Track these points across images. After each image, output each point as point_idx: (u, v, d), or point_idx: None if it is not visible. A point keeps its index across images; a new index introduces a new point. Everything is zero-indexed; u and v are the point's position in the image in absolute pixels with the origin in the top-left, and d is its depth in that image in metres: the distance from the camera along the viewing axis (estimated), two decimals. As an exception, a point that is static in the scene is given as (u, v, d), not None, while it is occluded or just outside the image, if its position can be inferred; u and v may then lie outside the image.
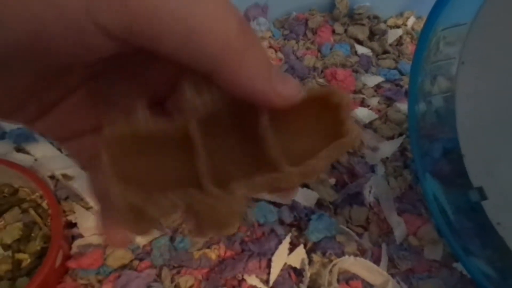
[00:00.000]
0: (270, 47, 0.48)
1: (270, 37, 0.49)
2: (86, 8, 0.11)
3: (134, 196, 0.13)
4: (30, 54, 0.12)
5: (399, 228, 0.36)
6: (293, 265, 0.33)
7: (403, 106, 0.43)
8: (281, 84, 0.13)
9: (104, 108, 0.15)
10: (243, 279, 0.31)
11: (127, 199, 0.13)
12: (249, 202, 0.14)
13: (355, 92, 0.44)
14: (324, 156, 0.14)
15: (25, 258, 0.30)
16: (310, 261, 0.33)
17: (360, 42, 0.49)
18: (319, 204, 0.36)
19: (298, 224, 0.35)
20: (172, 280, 0.31)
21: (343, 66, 0.46)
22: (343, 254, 0.33)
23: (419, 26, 0.51)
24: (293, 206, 0.35)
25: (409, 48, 0.49)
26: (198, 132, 0.14)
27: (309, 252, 0.33)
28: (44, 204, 0.32)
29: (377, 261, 0.34)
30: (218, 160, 0.15)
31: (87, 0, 0.11)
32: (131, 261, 0.32)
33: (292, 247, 0.33)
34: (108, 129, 0.13)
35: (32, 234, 0.31)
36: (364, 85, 0.45)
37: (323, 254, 0.33)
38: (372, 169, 0.39)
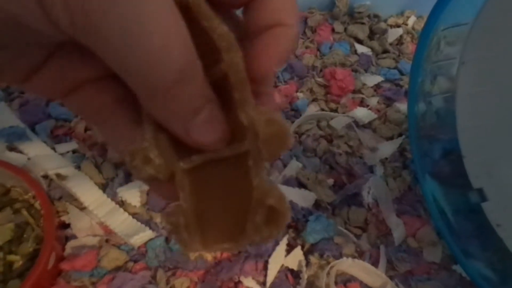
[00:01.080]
0: (269, 45, 0.47)
1: (268, 35, 0.48)
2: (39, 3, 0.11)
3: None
4: None
5: (398, 229, 0.35)
6: (290, 267, 0.32)
7: (402, 106, 0.43)
8: (197, 131, 0.14)
9: (98, 61, 0.15)
10: (240, 281, 0.31)
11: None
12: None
13: (354, 91, 0.44)
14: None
15: (17, 260, 0.29)
16: (308, 263, 0.32)
17: (360, 41, 0.49)
18: (317, 205, 0.36)
19: (296, 225, 0.34)
20: (167, 282, 0.31)
21: (343, 65, 0.46)
22: (341, 255, 0.33)
23: (420, 25, 0.50)
24: (291, 207, 0.34)
25: (410, 47, 0.49)
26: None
27: (306, 254, 0.33)
28: (37, 205, 0.32)
29: (375, 263, 0.34)
30: None
31: None
32: (126, 262, 0.31)
33: (290, 248, 0.33)
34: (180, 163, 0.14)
35: (24, 235, 0.30)
36: (364, 84, 0.45)
37: (321, 256, 0.33)
38: (371, 169, 0.39)
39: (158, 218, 0.33)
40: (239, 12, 0.16)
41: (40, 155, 0.34)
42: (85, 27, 0.11)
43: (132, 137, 0.15)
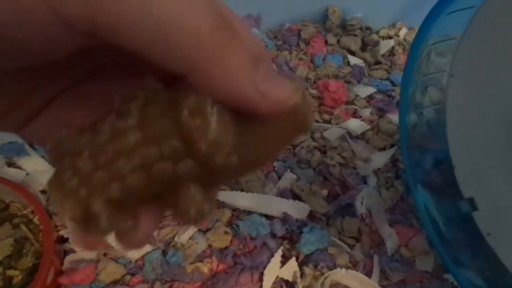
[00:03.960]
0: (263, 57, 0.48)
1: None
2: (46, 3, 0.10)
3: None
4: None
5: (390, 239, 0.36)
6: (285, 278, 0.33)
7: (394, 117, 0.43)
8: (268, 86, 0.12)
9: (98, 108, 0.14)
10: (236, 293, 0.31)
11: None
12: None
13: (347, 103, 0.45)
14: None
15: (16, 275, 0.30)
16: (302, 274, 0.33)
17: (352, 53, 0.50)
18: (311, 216, 0.37)
19: (290, 236, 0.35)
20: (164, 295, 0.31)
21: (336, 77, 0.46)
22: (335, 266, 0.33)
23: (411, 36, 0.51)
24: (285, 219, 0.35)
25: (401, 58, 0.50)
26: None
27: (301, 265, 0.33)
28: (36, 220, 0.32)
29: (369, 273, 0.34)
30: None
31: None
32: (123, 276, 0.32)
33: (284, 260, 0.33)
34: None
35: (24, 250, 0.31)
36: (357, 96, 0.46)
37: (315, 266, 0.33)
38: (364, 180, 0.39)
39: (155, 231, 0.34)
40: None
41: (39, 170, 0.35)
42: (105, 18, 0.10)
43: None
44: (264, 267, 0.32)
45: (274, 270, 0.33)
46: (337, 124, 0.43)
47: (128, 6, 0.10)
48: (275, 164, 0.39)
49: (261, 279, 0.32)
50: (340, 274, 0.33)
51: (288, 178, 0.38)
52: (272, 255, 0.33)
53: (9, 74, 0.12)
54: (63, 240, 0.33)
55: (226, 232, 0.34)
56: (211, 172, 0.12)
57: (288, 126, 0.13)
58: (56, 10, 0.10)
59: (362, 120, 0.44)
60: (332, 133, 0.42)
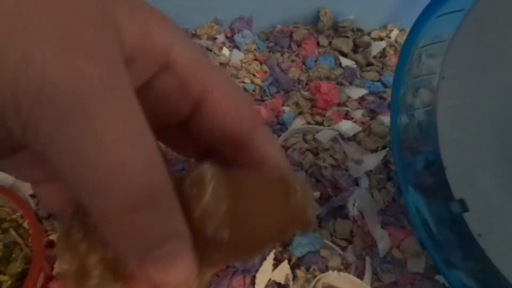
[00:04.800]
0: (255, 59, 0.48)
1: (255, 49, 0.49)
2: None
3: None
4: None
5: (382, 241, 0.36)
6: (277, 280, 0.33)
7: (386, 118, 0.44)
8: (154, 266, 0.11)
9: None
10: (228, 296, 0.31)
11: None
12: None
13: (339, 104, 0.45)
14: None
15: (5, 280, 0.29)
16: (294, 277, 0.33)
17: (344, 55, 0.50)
18: (304, 218, 0.37)
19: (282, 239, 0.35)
20: (156, 299, 0.31)
21: (328, 78, 0.46)
22: (327, 268, 0.34)
23: (403, 38, 0.51)
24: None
25: (393, 60, 0.50)
26: None
27: (293, 268, 0.33)
28: (25, 224, 0.32)
29: (361, 275, 0.34)
30: None
31: None
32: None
33: (277, 262, 0.33)
34: None
35: (13, 255, 0.30)
36: (348, 97, 0.46)
37: (307, 269, 0.33)
38: (356, 182, 0.39)
39: None
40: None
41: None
42: (36, 139, 0.10)
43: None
44: (256, 270, 0.32)
45: (266, 273, 0.32)
46: (329, 126, 0.43)
47: (59, 150, 0.10)
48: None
49: (253, 282, 0.32)
50: (332, 277, 0.33)
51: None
52: (264, 258, 0.33)
53: None
54: (53, 245, 0.32)
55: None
56: (205, 245, 0.12)
57: (287, 218, 0.14)
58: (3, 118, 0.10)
59: (354, 121, 0.44)
60: (324, 135, 0.42)
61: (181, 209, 0.11)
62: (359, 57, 0.49)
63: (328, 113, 0.44)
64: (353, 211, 0.37)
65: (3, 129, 0.10)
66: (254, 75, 0.46)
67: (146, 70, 0.13)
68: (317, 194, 0.38)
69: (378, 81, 0.48)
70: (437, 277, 0.35)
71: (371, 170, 0.40)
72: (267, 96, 0.45)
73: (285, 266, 0.33)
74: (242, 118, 0.14)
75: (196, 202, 0.12)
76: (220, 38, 0.49)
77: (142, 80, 0.13)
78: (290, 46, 0.50)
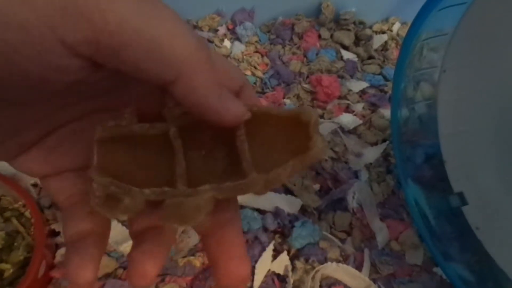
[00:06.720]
0: (257, 51, 0.48)
1: (256, 41, 0.49)
2: (51, 28, 0.11)
3: (114, 186, 0.15)
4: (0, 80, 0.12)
5: (381, 233, 0.37)
6: (277, 271, 0.33)
7: (387, 112, 0.44)
8: (230, 103, 0.14)
9: (85, 149, 0.16)
10: (227, 286, 0.32)
11: (107, 188, 0.15)
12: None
13: (340, 97, 0.45)
14: (289, 167, 0.15)
15: (8, 268, 0.30)
16: (293, 268, 0.33)
17: (345, 47, 0.50)
18: (303, 210, 0.37)
19: (282, 231, 0.35)
20: (156, 288, 0.31)
21: (329, 71, 0.46)
22: (325, 260, 0.34)
23: (404, 31, 0.51)
24: (277, 213, 0.35)
25: (394, 53, 0.50)
26: (178, 138, 0.16)
27: (292, 259, 0.34)
28: (27, 213, 0.32)
29: (359, 266, 0.35)
30: (195, 164, 0.16)
31: (52, 20, 0.11)
32: (115, 269, 0.32)
33: (276, 253, 0.34)
34: (99, 129, 0.15)
35: (15, 244, 0.31)
36: (349, 90, 0.46)
37: (306, 260, 0.34)
38: (356, 175, 0.40)
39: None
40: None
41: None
42: (109, 40, 0.12)
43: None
44: (256, 261, 0.33)
45: (266, 264, 0.33)
46: (329, 118, 0.43)
47: (131, 30, 0.12)
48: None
49: (252, 273, 0.32)
50: (330, 268, 0.33)
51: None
52: (264, 249, 0.33)
53: (4, 107, 0.13)
54: (54, 233, 0.33)
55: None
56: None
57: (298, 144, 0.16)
58: (63, 38, 0.11)
59: (355, 115, 0.44)
60: (325, 127, 0.42)
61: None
62: (360, 50, 0.49)
63: (329, 106, 0.44)
64: (352, 203, 0.37)
65: (63, 49, 0.12)
66: (255, 67, 0.46)
67: None
68: (317, 186, 0.38)
69: (379, 74, 0.48)
70: (435, 269, 0.36)
71: (371, 163, 0.41)
72: (268, 88, 0.45)
73: (284, 257, 0.33)
74: (232, 78, 0.16)
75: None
76: (222, 30, 0.49)
77: None
78: (291, 38, 0.49)
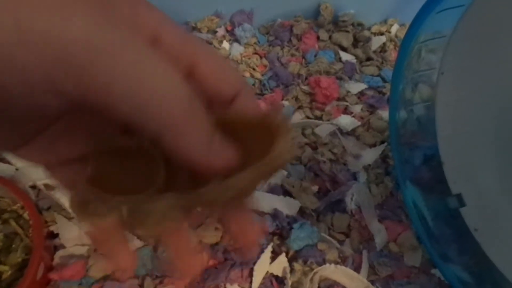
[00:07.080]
0: (255, 53, 0.48)
1: (255, 43, 0.49)
2: (46, 77, 0.12)
3: (89, 193, 0.15)
4: None
5: (379, 235, 0.37)
6: (275, 273, 0.33)
7: (385, 113, 0.44)
8: (216, 157, 0.15)
9: (88, 135, 0.16)
10: (226, 288, 0.32)
11: (82, 195, 0.15)
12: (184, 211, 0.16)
13: (338, 99, 0.45)
14: (251, 172, 0.15)
15: (6, 270, 0.30)
16: (292, 270, 0.33)
17: (344, 49, 0.50)
18: (302, 211, 0.37)
19: (280, 232, 0.35)
20: (154, 290, 0.31)
21: (327, 73, 0.46)
22: (324, 262, 0.34)
23: (403, 33, 0.51)
24: (276, 215, 0.35)
25: (393, 55, 0.50)
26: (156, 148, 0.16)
27: (290, 261, 0.34)
28: (26, 215, 0.32)
29: (358, 268, 0.35)
30: (180, 174, 0.17)
31: (48, 71, 0.12)
32: (114, 271, 0.32)
33: (274, 255, 0.34)
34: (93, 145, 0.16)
35: (13, 246, 0.31)
36: (348, 92, 0.46)
37: (305, 262, 0.34)
38: (354, 176, 0.40)
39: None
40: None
41: (28, 166, 0.34)
42: (96, 90, 0.12)
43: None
44: (254, 263, 0.33)
45: (264, 265, 0.33)
46: (328, 120, 0.43)
47: (115, 89, 0.12)
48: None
49: (251, 275, 0.32)
50: (329, 270, 0.33)
51: (279, 175, 0.38)
52: (262, 251, 0.33)
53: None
54: (53, 235, 0.33)
55: (216, 228, 0.34)
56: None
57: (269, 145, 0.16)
58: (54, 85, 0.12)
59: (353, 116, 0.44)
60: (323, 129, 0.42)
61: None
62: (359, 51, 0.49)
63: (327, 108, 0.44)
64: (351, 205, 0.37)
65: (54, 92, 0.12)
66: (254, 69, 0.46)
67: None
68: (315, 188, 0.38)
69: (377, 75, 0.48)
70: (433, 271, 0.36)
71: (369, 165, 0.41)
72: (267, 90, 0.45)
73: (282, 259, 0.33)
74: (228, 84, 0.16)
75: None
76: (220, 31, 0.49)
77: None
78: (290, 40, 0.50)
